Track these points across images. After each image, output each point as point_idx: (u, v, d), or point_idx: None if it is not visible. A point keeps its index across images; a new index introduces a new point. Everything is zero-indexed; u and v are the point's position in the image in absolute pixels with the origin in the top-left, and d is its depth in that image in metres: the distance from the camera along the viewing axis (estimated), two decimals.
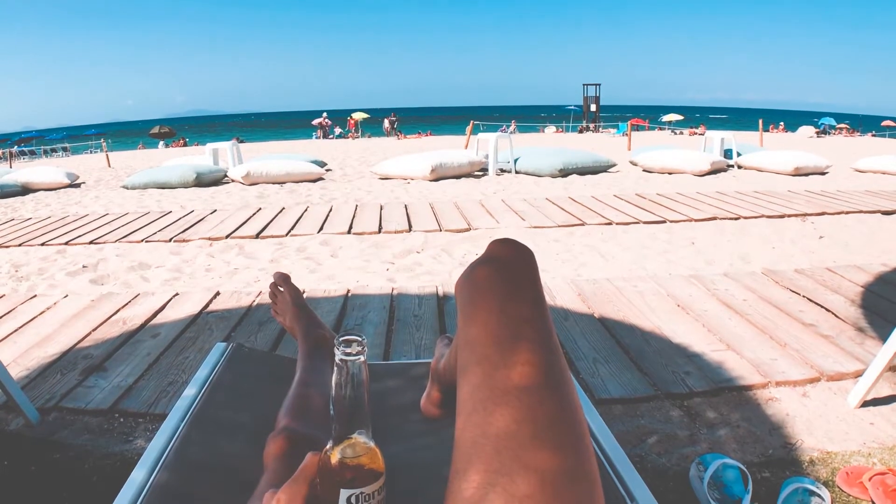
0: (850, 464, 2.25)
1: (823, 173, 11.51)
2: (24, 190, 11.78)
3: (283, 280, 1.83)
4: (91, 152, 32.58)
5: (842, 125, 40.66)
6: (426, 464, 1.31)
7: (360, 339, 0.77)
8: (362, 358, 0.77)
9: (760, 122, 22.39)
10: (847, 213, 7.15)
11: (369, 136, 36.65)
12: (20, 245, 6.49)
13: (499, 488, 0.62)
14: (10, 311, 4.13)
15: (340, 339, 0.77)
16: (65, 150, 33.70)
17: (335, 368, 0.78)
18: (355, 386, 0.77)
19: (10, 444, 2.56)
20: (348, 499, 0.76)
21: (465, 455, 0.68)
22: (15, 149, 30.82)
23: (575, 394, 0.75)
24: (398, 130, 36.21)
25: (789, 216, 7.02)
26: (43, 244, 6.49)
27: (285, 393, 1.45)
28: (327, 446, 0.79)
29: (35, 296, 4.49)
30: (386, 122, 37.03)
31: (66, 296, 4.45)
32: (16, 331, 3.75)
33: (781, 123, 40.93)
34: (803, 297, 4.01)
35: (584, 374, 2.99)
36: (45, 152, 32.38)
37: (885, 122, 41.98)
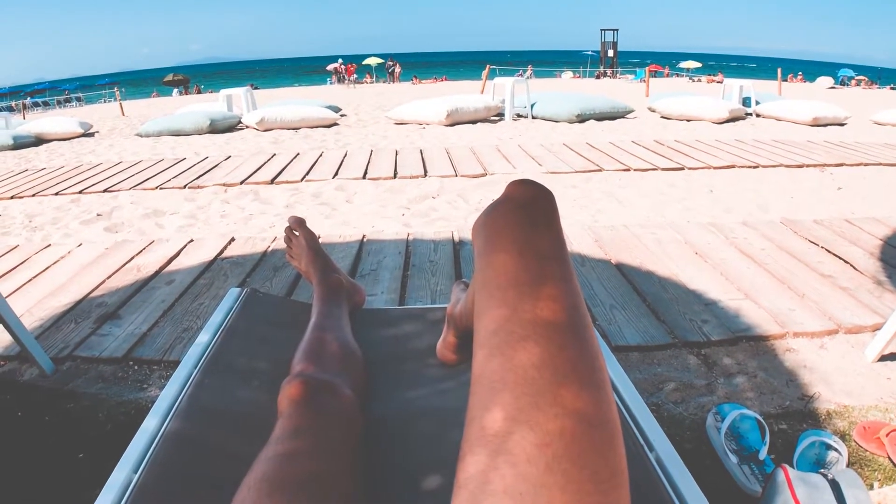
0: (867, 418, 2.23)
1: (842, 124, 11.29)
2: (38, 140, 11.74)
3: (298, 224, 1.81)
4: (105, 101, 32.45)
5: (860, 77, 40.00)
6: (445, 408, 1.30)
7: None
8: None
9: (779, 71, 22.02)
10: (866, 164, 7.01)
11: (368, 82, 36.53)
12: (34, 195, 6.48)
13: (517, 435, 0.60)
14: (25, 261, 4.14)
15: None
16: (78, 99, 33.57)
17: None
18: None
19: (25, 394, 2.57)
20: None
21: (483, 401, 0.66)
22: (28, 100, 30.72)
23: (595, 339, 0.72)
24: (393, 74, 36.16)
25: (808, 166, 6.90)
26: (57, 194, 6.47)
27: (300, 338, 1.44)
28: None
29: (49, 245, 4.49)
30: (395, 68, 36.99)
31: (81, 244, 4.46)
32: (30, 281, 3.76)
33: (800, 73, 40.22)
34: (822, 247, 3.96)
35: (600, 321, 2.97)
36: (59, 103, 32.24)
37: None
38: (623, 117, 12.16)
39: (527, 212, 0.83)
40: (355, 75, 37.04)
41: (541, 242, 0.78)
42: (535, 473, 0.57)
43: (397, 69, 37.62)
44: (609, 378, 0.70)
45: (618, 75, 41.94)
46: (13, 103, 30.30)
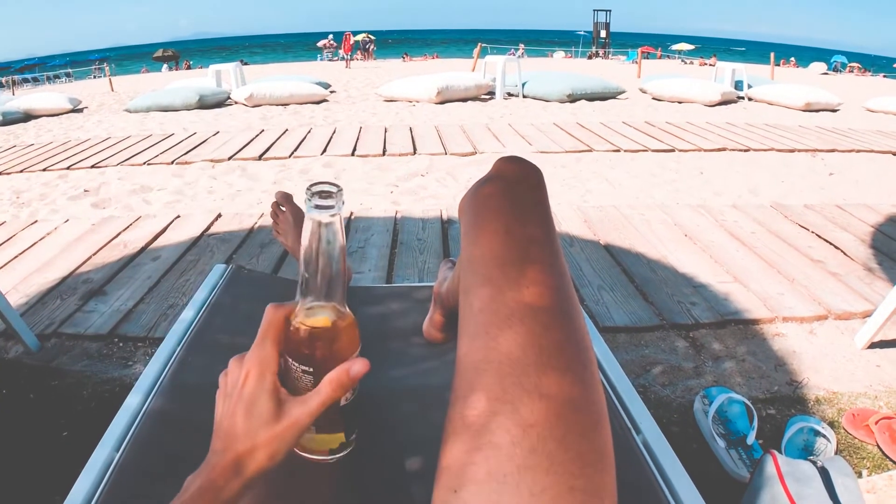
0: (856, 405, 2.24)
1: (834, 110, 11.30)
2: (27, 116, 11.60)
3: (285, 199, 1.78)
4: (94, 77, 32.18)
5: (853, 64, 40.01)
6: (429, 387, 1.30)
7: (336, 188, 0.68)
8: (339, 211, 0.68)
9: (772, 55, 21.96)
10: (858, 151, 7.01)
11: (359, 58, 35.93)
12: (21, 171, 6.42)
13: (502, 416, 0.59)
14: (11, 237, 4.11)
15: (313, 188, 0.68)
16: (67, 75, 33.27)
17: (307, 223, 0.68)
18: (330, 246, 0.68)
19: (9, 371, 2.56)
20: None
21: (468, 381, 0.64)
22: (17, 76, 30.44)
23: (582, 320, 0.71)
24: (365, 51, 35.42)
25: (799, 151, 6.90)
26: (44, 170, 6.41)
27: None
28: (293, 316, 0.71)
29: (36, 221, 4.46)
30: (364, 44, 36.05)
31: (67, 220, 4.43)
32: (16, 257, 3.73)
33: (793, 59, 40.23)
34: (812, 232, 3.96)
35: (588, 302, 2.96)
36: (48, 79, 31.94)
37: None
38: (614, 98, 12.13)
39: (515, 190, 0.81)
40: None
41: (528, 221, 0.77)
42: (520, 455, 0.56)
43: (371, 46, 36.83)
44: (596, 359, 0.69)
45: (610, 56, 41.86)
46: (2, 79, 30.03)
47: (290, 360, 0.70)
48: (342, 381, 0.69)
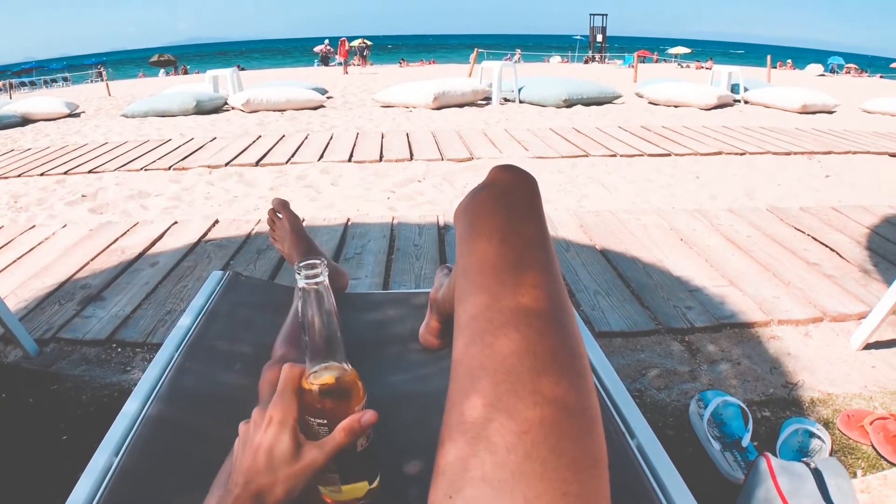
0: (851, 406, 2.25)
1: (831, 112, 11.31)
2: (24, 121, 11.58)
3: (281, 206, 1.79)
4: (91, 81, 32.11)
5: (850, 65, 40.09)
6: (426, 393, 1.31)
7: (319, 261, 0.77)
8: (324, 280, 0.77)
9: (769, 58, 21.99)
10: (854, 153, 7.02)
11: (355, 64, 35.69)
12: (19, 176, 6.41)
13: (496, 423, 0.60)
14: (9, 242, 4.11)
15: (300, 263, 0.77)
16: (65, 79, 33.23)
17: (298, 294, 0.78)
18: (322, 308, 0.77)
19: (8, 376, 2.56)
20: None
21: (464, 386, 0.65)
22: (14, 80, 30.40)
23: (576, 326, 0.72)
24: (361, 57, 35.16)
25: (795, 154, 6.91)
26: (42, 174, 6.41)
27: (282, 322, 1.43)
28: (304, 378, 0.80)
29: (34, 226, 4.46)
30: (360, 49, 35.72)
31: (65, 226, 4.43)
32: (14, 262, 3.74)
33: (789, 61, 40.27)
34: (808, 235, 3.98)
35: (584, 306, 2.97)
36: (45, 82, 31.89)
37: (894, 64, 41.37)
38: (611, 102, 12.13)
39: (509, 198, 0.82)
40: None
41: (523, 229, 0.78)
42: (514, 461, 0.57)
43: (366, 51, 36.39)
44: (590, 365, 0.70)
45: (606, 60, 41.91)
46: (0, 83, 29.99)
47: (306, 415, 0.79)
48: (353, 428, 0.77)
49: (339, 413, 0.78)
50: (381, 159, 6.56)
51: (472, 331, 0.70)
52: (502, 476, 0.57)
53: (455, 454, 0.61)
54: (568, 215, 4.37)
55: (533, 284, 0.71)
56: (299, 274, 0.76)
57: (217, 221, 4.36)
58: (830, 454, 1.97)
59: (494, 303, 0.70)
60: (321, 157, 6.72)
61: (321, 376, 0.80)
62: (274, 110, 11.20)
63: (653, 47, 55.78)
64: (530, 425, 0.59)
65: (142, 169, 6.43)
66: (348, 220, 4.38)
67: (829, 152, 6.99)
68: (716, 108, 11.40)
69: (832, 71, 36.63)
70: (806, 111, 10.99)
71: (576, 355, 0.67)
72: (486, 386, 0.63)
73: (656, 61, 42.46)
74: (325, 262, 0.78)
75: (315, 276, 0.76)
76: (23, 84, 30.97)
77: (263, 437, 0.76)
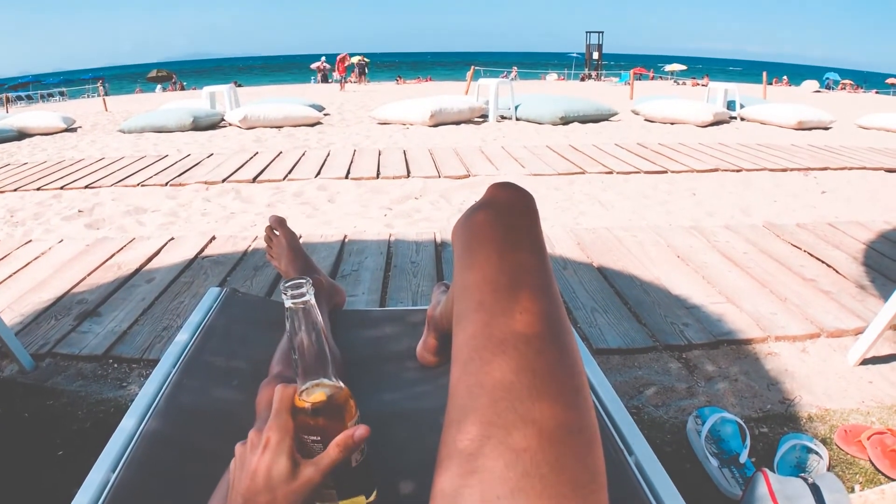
0: (849, 422, 2.25)
1: (827, 128, 11.37)
2: (21, 135, 11.59)
3: (278, 223, 1.80)
4: (88, 96, 32.16)
5: (846, 81, 40.25)
6: (423, 411, 1.30)
7: (304, 280, 0.79)
8: (310, 299, 0.79)
9: (764, 74, 22.14)
10: (850, 168, 7.06)
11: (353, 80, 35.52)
12: (16, 190, 6.41)
13: (495, 440, 0.60)
14: (5, 256, 4.10)
15: (285, 284, 0.79)
16: (62, 94, 33.29)
17: (287, 315, 0.79)
18: (310, 325, 0.79)
19: (4, 390, 2.55)
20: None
21: (461, 405, 0.65)
22: (11, 94, 30.42)
23: (575, 344, 0.72)
24: (359, 74, 34.97)
25: (792, 170, 6.94)
26: (38, 189, 6.41)
27: (279, 339, 1.43)
28: (296, 397, 0.81)
29: (30, 241, 4.45)
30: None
31: (62, 241, 4.42)
32: (10, 276, 3.73)
33: (785, 77, 40.43)
34: (804, 251, 3.98)
35: (582, 324, 2.97)
36: (42, 97, 31.92)
37: (889, 80, 41.53)
38: (607, 120, 12.17)
39: (507, 216, 0.82)
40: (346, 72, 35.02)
41: (520, 247, 0.78)
42: (513, 478, 0.57)
43: (365, 69, 36.07)
44: (588, 383, 0.70)
45: (602, 78, 42.07)
46: None
47: (300, 433, 0.80)
48: (347, 444, 0.77)
49: (333, 429, 0.79)
50: (378, 176, 6.57)
51: (470, 349, 0.70)
52: (501, 493, 0.57)
53: (454, 472, 0.61)
54: (565, 233, 4.37)
55: (530, 303, 0.71)
56: (285, 294, 0.78)
57: (214, 238, 4.35)
58: (828, 469, 1.96)
59: (492, 321, 0.70)
60: (318, 173, 6.73)
61: (313, 393, 0.81)
62: (271, 127, 11.21)
63: (649, 64, 55.97)
64: (528, 443, 0.59)
65: (138, 185, 6.43)
66: (345, 236, 4.37)
67: (825, 168, 7.02)
68: (712, 125, 11.44)
69: (828, 87, 36.73)
70: (802, 127, 11.04)
71: (574, 373, 0.68)
72: (485, 403, 0.63)
73: (652, 78, 42.60)
74: (311, 282, 0.80)
75: (300, 295, 0.78)
76: (19, 98, 31.00)
77: (261, 459, 0.76)
